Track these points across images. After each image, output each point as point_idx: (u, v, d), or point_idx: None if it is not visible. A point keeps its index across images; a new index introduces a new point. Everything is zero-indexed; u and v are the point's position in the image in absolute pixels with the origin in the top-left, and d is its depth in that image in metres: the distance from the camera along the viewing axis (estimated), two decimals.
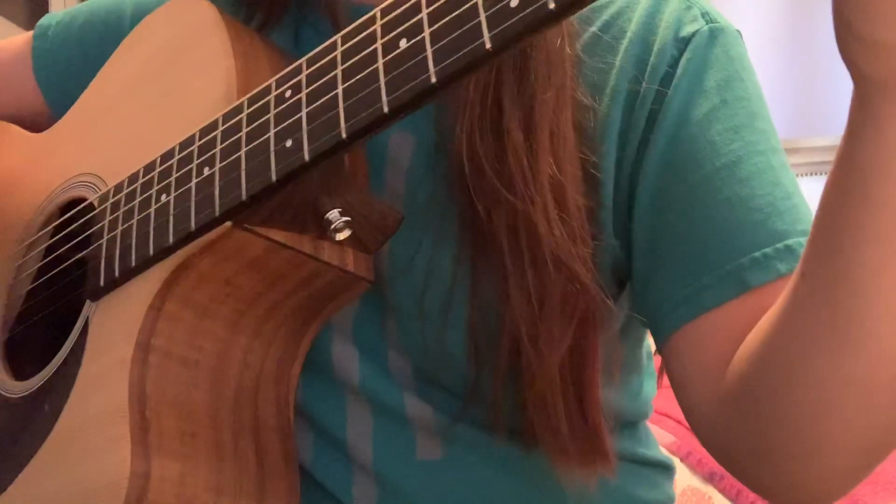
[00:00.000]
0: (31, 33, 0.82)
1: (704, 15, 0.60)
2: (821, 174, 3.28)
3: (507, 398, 0.59)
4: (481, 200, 0.56)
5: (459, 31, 0.38)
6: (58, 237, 0.69)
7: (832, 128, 3.30)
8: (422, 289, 0.60)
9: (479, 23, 0.38)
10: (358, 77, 0.45)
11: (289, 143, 0.48)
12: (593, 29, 0.60)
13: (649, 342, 0.69)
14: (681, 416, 0.63)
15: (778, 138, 0.61)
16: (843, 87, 3.32)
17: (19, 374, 0.67)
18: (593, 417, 0.59)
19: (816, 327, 0.46)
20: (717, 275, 0.55)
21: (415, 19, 0.41)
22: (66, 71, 0.78)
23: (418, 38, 0.41)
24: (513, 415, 0.60)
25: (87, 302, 0.61)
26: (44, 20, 0.82)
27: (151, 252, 0.55)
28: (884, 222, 0.41)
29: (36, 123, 0.78)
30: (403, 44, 0.42)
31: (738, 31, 0.62)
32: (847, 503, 1.06)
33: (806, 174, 3.28)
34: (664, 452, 0.75)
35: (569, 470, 0.59)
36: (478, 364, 0.59)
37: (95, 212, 0.62)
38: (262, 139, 0.50)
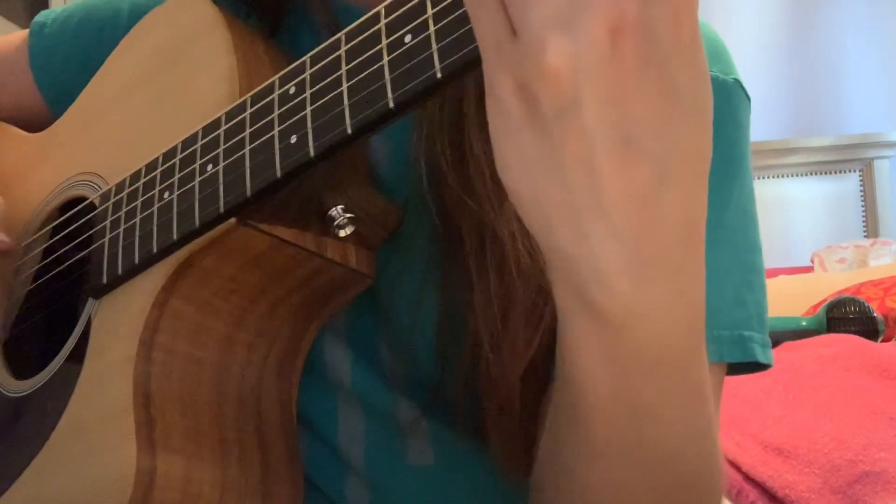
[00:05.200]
0: (26, 31, 0.81)
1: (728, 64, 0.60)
2: (821, 174, 3.28)
3: (468, 404, 0.59)
4: (447, 207, 0.56)
5: (466, 28, 0.39)
6: (57, 237, 0.69)
7: (832, 128, 3.31)
8: (395, 289, 0.60)
9: None
10: (364, 74, 0.45)
11: (293, 140, 0.48)
12: None
13: None
14: None
15: (753, 238, 0.60)
16: (843, 87, 3.32)
17: (20, 373, 0.67)
18: (540, 422, 0.58)
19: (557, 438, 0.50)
20: None
21: (421, 18, 0.41)
22: (64, 69, 0.78)
23: (424, 34, 0.41)
24: (473, 421, 0.60)
25: (90, 300, 0.60)
26: (39, 17, 0.82)
27: (155, 249, 0.55)
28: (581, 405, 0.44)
29: (34, 122, 0.78)
30: (409, 40, 0.42)
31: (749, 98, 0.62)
32: (847, 503, 1.07)
33: (806, 174, 3.29)
34: None
35: (515, 476, 0.59)
36: (442, 367, 0.59)
37: (97, 211, 0.62)
38: (266, 136, 0.50)
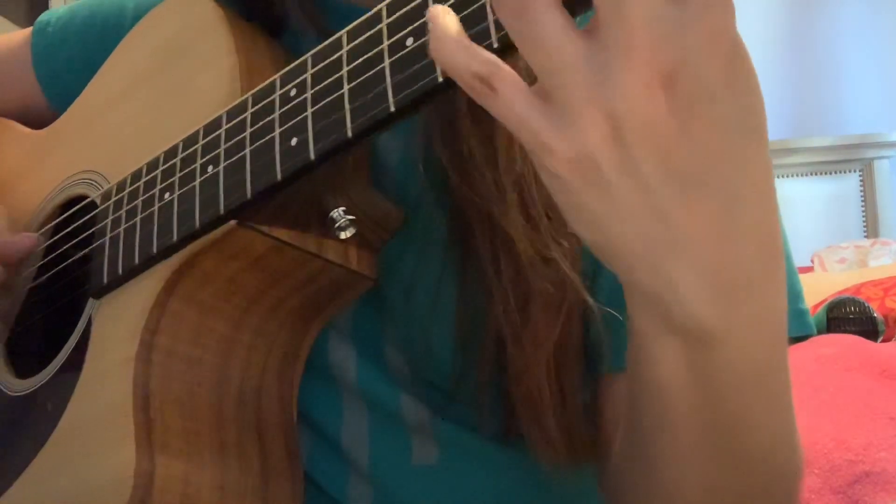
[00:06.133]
0: (30, 29, 0.82)
1: None
2: (821, 174, 3.29)
3: (491, 395, 0.59)
4: (456, 204, 0.56)
5: (468, 33, 0.38)
6: (59, 235, 0.69)
7: (832, 128, 3.31)
8: (409, 287, 0.60)
9: (487, 25, 0.38)
10: (365, 77, 0.44)
11: (294, 143, 0.48)
12: None
13: None
14: None
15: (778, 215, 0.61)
16: (843, 87, 3.32)
17: (22, 371, 0.67)
18: (578, 409, 0.58)
19: (631, 448, 0.51)
20: None
21: (422, 19, 0.41)
22: (67, 67, 0.78)
23: (425, 38, 0.41)
24: (497, 412, 0.60)
25: (90, 300, 0.60)
26: (43, 16, 0.82)
27: (155, 250, 0.55)
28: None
29: (37, 120, 0.78)
30: (410, 43, 0.42)
31: None
32: (847, 503, 1.07)
33: (806, 174, 3.29)
34: None
35: (556, 463, 0.59)
36: (463, 362, 0.59)
37: (98, 209, 0.62)
38: (267, 138, 0.50)
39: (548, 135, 0.34)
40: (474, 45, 0.35)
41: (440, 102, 0.46)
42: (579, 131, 0.33)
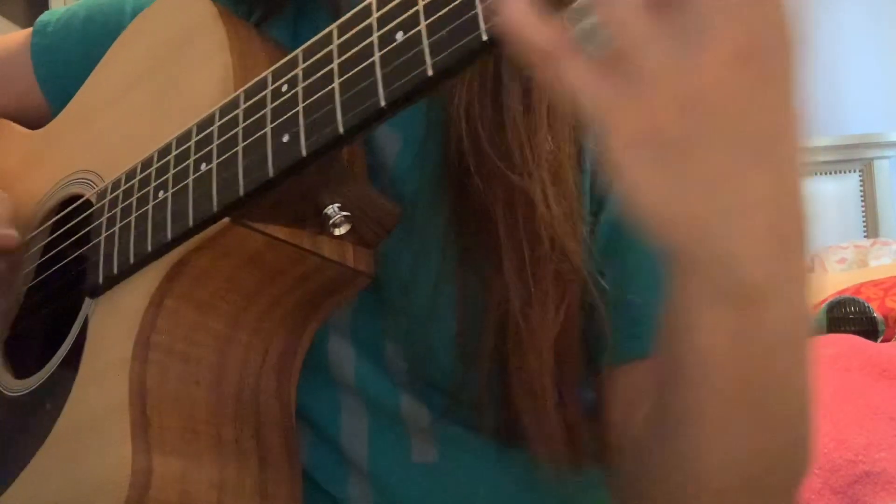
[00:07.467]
0: (30, 30, 0.82)
1: None
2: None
3: (492, 393, 0.59)
4: (478, 173, 0.56)
5: (456, 23, 0.38)
6: (55, 234, 0.69)
7: (832, 128, 3.30)
8: (408, 284, 0.60)
9: (476, 14, 0.38)
10: (354, 71, 0.44)
11: (286, 139, 0.48)
12: None
13: None
14: None
15: None
16: (842, 87, 3.32)
17: (19, 372, 0.67)
18: (579, 406, 0.59)
19: (657, 427, 0.50)
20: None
21: (411, 11, 0.41)
22: (66, 68, 0.78)
23: (414, 30, 0.41)
24: (498, 410, 0.60)
25: (87, 299, 0.60)
26: (43, 17, 0.82)
27: (150, 249, 0.55)
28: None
29: (36, 120, 0.78)
30: (400, 36, 0.41)
31: None
32: (847, 503, 1.07)
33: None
34: None
35: (555, 463, 0.59)
36: (463, 359, 0.59)
37: (93, 208, 0.62)
38: (258, 134, 0.50)
39: (615, 107, 0.35)
40: (538, 18, 0.36)
41: (437, 92, 0.46)
42: (649, 105, 0.35)
